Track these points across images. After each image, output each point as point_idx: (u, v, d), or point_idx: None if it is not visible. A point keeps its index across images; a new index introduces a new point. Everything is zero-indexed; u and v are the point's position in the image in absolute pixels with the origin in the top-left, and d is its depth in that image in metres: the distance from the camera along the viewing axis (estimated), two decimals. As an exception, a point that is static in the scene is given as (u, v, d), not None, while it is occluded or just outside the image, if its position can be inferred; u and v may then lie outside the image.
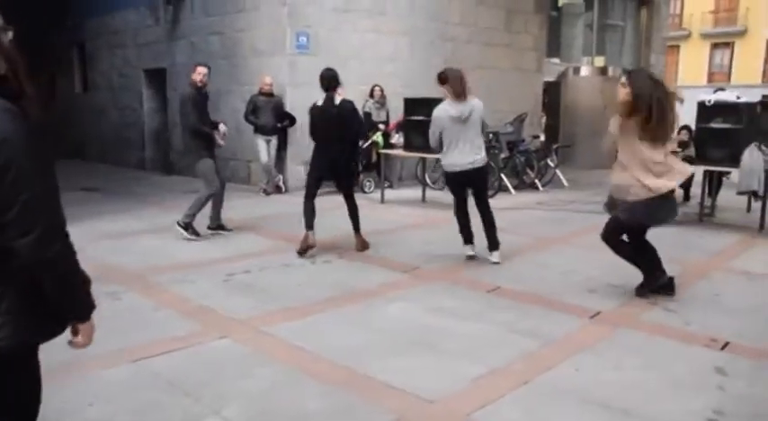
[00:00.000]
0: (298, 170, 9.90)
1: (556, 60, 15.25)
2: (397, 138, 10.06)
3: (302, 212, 6.05)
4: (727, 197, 8.58)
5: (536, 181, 11.00)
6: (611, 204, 4.69)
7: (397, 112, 10.92)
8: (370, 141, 9.97)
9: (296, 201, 6.34)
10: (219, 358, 3.63)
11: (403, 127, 9.56)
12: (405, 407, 3.07)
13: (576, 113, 14.47)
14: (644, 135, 4.34)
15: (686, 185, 9.36)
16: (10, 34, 1.55)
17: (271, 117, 9.64)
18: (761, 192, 7.29)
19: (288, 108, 9.88)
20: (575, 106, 14.63)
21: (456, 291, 4.96)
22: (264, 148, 9.74)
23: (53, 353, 3.50)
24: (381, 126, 10.41)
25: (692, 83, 32.04)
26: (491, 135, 10.72)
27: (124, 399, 3.10)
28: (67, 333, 1.76)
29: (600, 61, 15.53)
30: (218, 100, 10.75)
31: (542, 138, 12.71)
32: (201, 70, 6.54)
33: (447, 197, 9.12)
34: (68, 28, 14.90)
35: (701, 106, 7.50)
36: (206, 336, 3.96)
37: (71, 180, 11.01)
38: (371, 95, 10.59)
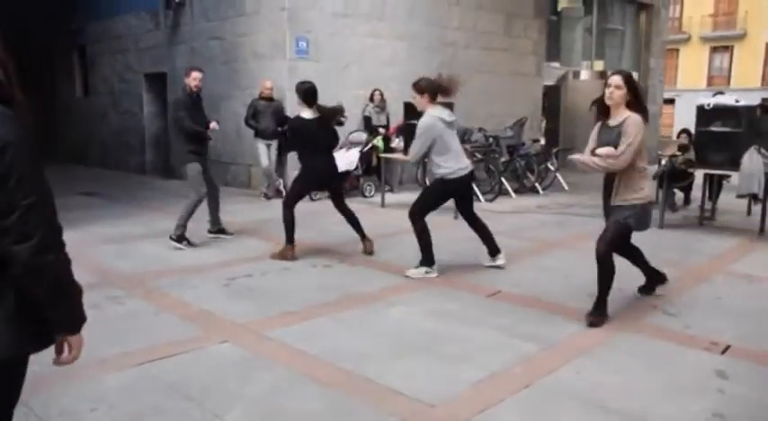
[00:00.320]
0: (298, 174, 9.93)
1: (556, 64, 15.28)
2: (397, 143, 10.08)
3: (283, 222, 5.99)
4: (728, 200, 8.59)
5: (536, 184, 11.02)
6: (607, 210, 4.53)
7: (397, 116, 10.95)
8: (370, 145, 9.98)
9: (297, 205, 6.33)
10: (221, 362, 3.64)
11: (403, 131, 9.57)
12: (406, 410, 3.08)
13: (575, 117, 14.50)
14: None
15: (686, 189, 9.39)
16: None
17: (271, 121, 9.66)
18: (761, 196, 7.30)
19: (288, 112, 9.90)
20: (574, 110, 14.66)
21: (456, 296, 4.97)
22: (265, 153, 9.76)
23: (51, 360, 3.50)
24: (381, 130, 10.42)
25: (691, 86, 32.18)
26: (491, 139, 10.74)
27: (126, 404, 3.10)
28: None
29: (599, 65, 15.58)
30: (218, 104, 10.79)
31: (542, 141, 12.73)
32: (196, 75, 6.51)
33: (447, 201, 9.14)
34: (69, 32, 14.94)
35: (701, 110, 7.52)
36: (207, 341, 3.96)
37: (72, 184, 11.03)
38: (371, 99, 10.62)
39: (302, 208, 6.18)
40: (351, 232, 6.29)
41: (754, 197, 7.61)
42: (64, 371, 3.42)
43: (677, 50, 33.62)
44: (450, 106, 8.85)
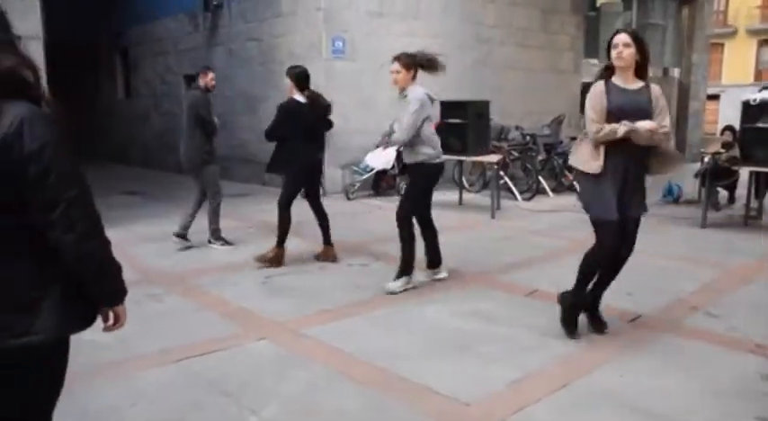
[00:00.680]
0: (335, 173, 9.99)
1: (594, 61, 15.02)
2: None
3: (279, 225, 5.72)
4: (774, 199, 8.34)
5: (574, 183, 10.85)
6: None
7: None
8: (406, 144, 9.97)
9: (334, 203, 6.38)
10: (258, 359, 3.69)
11: (439, 130, 9.54)
12: (441, 409, 3.08)
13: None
14: None
15: (731, 187, 9.15)
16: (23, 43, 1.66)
17: (307, 121, 9.70)
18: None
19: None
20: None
21: (492, 295, 4.94)
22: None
23: (94, 356, 3.61)
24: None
25: (737, 81, 31.23)
26: (528, 137, 10.63)
27: (166, 399, 3.17)
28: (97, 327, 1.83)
29: (639, 61, 15.25)
30: (256, 105, 10.94)
31: (580, 139, 12.52)
32: (213, 75, 6.56)
33: (484, 200, 9.10)
34: (112, 36, 15.32)
35: (746, 105, 7.31)
36: (245, 338, 4.02)
37: (114, 183, 11.30)
38: (407, 98, 10.60)
39: (339, 207, 6.21)
40: (387, 230, 6.28)
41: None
42: (106, 366, 3.53)
43: (722, 44, 32.68)
44: (486, 104, 8.83)
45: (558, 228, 7.51)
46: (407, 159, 5.02)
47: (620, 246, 3.78)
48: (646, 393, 3.21)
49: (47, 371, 1.71)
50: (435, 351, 3.81)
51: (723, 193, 9.25)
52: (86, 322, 1.74)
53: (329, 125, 6.17)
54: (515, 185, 9.75)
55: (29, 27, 6.81)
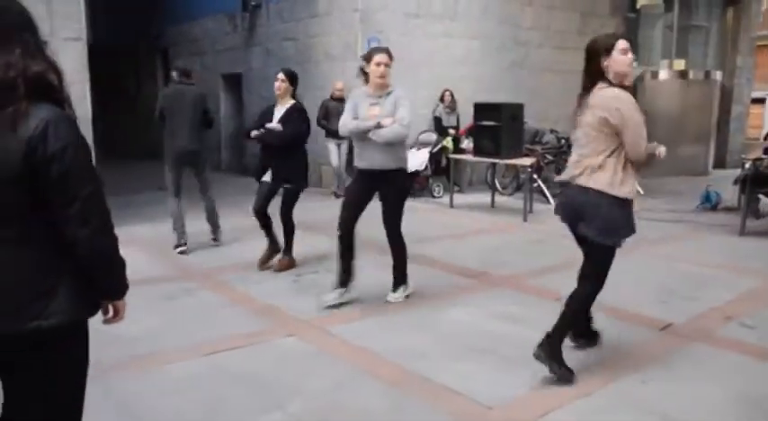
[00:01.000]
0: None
1: (633, 64, 14.79)
2: (466, 144, 10.03)
3: (287, 232, 5.65)
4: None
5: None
6: None
7: (467, 117, 10.90)
8: (440, 146, 9.98)
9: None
10: (285, 355, 3.75)
11: (472, 132, 9.52)
12: (463, 411, 3.08)
13: (653, 118, 13.94)
14: None
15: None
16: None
17: (341, 121, 9.79)
18: None
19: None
20: (652, 111, 14.12)
21: (522, 298, 4.92)
22: (335, 152, 9.93)
23: (127, 348, 3.71)
24: (451, 131, 10.40)
25: (783, 85, 30.28)
26: (563, 140, 10.53)
27: (193, 393, 3.25)
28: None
29: (680, 64, 14.93)
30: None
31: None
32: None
33: (517, 203, 9.05)
34: (152, 36, 15.65)
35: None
36: (273, 334, 4.09)
37: (151, 180, 11.51)
38: (442, 100, 10.61)
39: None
40: (418, 231, 6.27)
41: None
42: (135, 359, 3.62)
43: (769, 47, 31.76)
44: (520, 106, 8.77)
45: (591, 233, 7.41)
46: (389, 164, 4.58)
47: None
48: (674, 402, 3.17)
49: (65, 356, 1.78)
50: (460, 353, 3.81)
51: (765, 201, 9.00)
52: (96, 308, 1.85)
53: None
54: (548, 189, 9.66)
55: (73, 30, 7.02)
